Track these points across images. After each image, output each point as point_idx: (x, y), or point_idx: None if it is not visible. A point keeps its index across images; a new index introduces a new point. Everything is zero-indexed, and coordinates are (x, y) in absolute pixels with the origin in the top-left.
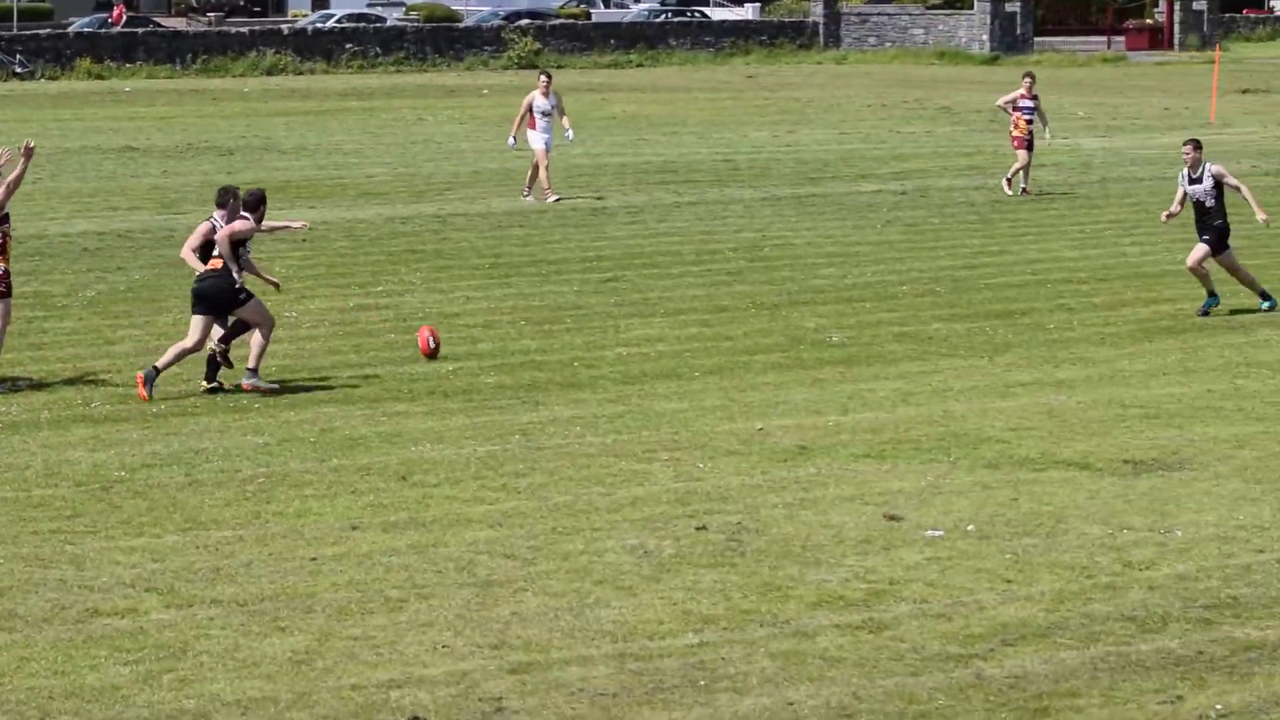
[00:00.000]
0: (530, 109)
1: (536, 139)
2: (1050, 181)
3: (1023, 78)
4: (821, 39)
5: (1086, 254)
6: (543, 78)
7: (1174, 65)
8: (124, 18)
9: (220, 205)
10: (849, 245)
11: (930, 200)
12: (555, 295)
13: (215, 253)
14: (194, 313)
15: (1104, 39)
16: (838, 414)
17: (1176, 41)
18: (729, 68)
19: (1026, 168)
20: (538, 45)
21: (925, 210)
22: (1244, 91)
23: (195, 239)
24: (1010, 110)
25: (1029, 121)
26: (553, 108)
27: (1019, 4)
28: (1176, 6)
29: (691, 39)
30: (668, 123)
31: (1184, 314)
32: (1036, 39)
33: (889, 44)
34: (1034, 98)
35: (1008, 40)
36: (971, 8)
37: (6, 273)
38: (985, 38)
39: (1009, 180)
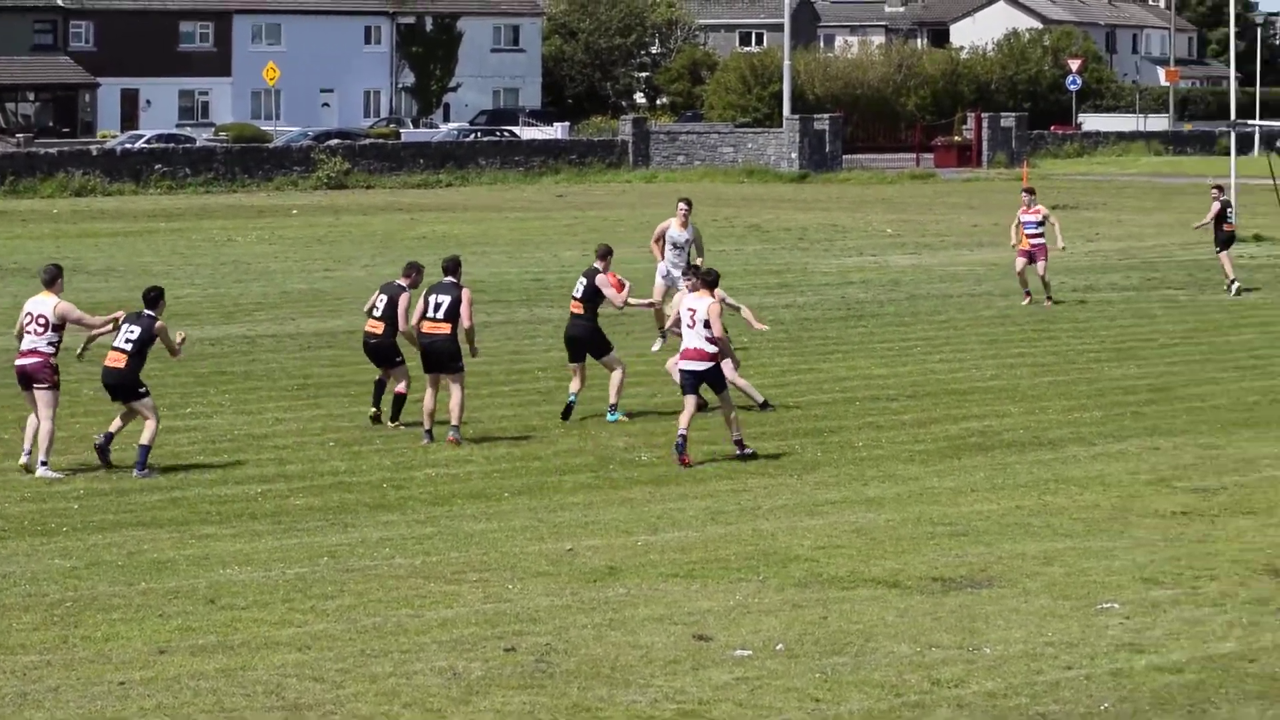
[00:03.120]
0: (662, 238)
1: (660, 271)
2: (860, 300)
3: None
4: (631, 157)
5: (895, 371)
6: (681, 205)
7: (982, 182)
8: None
9: None
10: (657, 364)
11: (738, 318)
12: (364, 416)
13: None
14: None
15: (913, 156)
16: (647, 533)
17: (985, 158)
18: (538, 186)
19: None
20: (347, 165)
21: (735, 328)
22: (1053, 207)
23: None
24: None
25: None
26: (688, 242)
27: (828, 122)
28: (985, 124)
29: (501, 158)
30: (477, 242)
31: (992, 431)
32: (846, 156)
33: (698, 162)
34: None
35: (816, 158)
36: (780, 125)
37: None
38: (794, 155)
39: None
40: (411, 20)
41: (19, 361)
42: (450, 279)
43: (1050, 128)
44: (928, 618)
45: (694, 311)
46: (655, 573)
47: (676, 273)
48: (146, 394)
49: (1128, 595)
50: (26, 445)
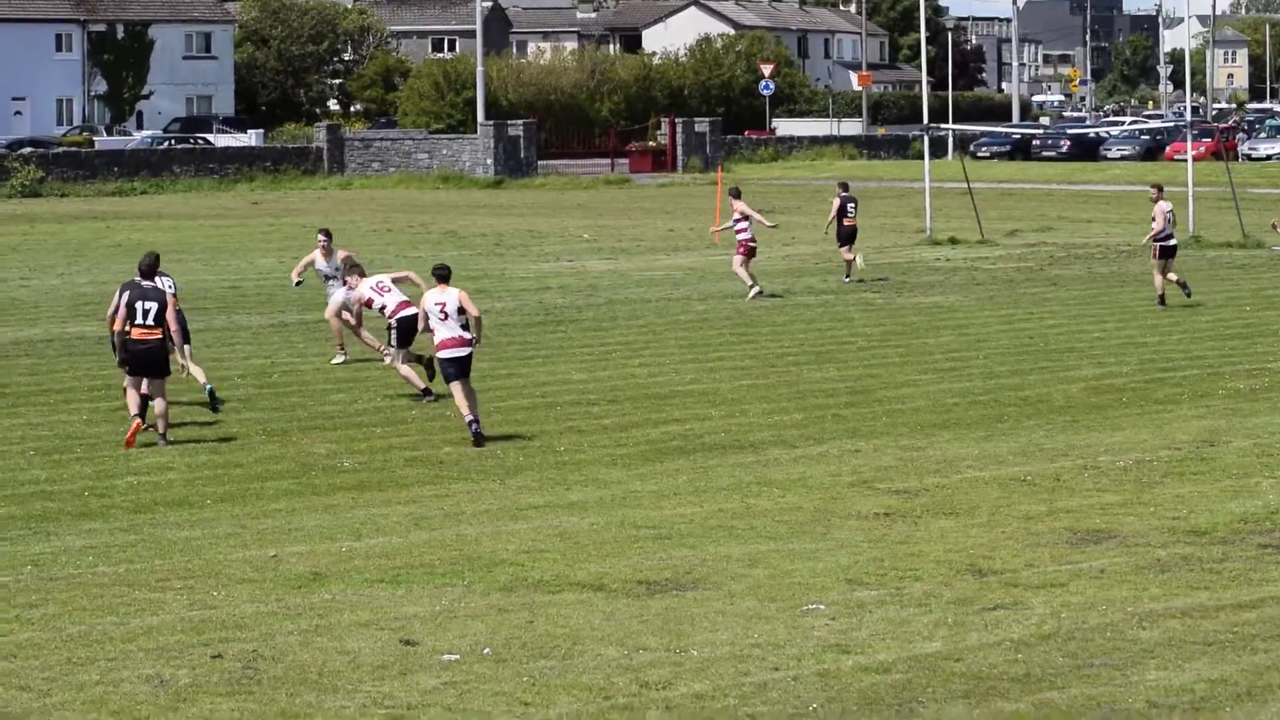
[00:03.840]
0: (306, 269)
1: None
2: (558, 305)
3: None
4: (326, 164)
5: (595, 376)
6: (321, 238)
7: (677, 187)
8: None
9: None
10: (357, 371)
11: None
12: (64, 425)
13: None
14: None
15: (608, 161)
16: (351, 539)
17: (680, 163)
18: (234, 194)
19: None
20: (41, 173)
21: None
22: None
23: None
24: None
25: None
26: (336, 269)
27: (522, 128)
28: (679, 129)
29: (196, 166)
30: (174, 249)
31: (694, 434)
32: (541, 162)
33: (393, 169)
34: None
35: (512, 164)
36: (475, 132)
37: None
38: (489, 161)
39: None
40: (102, 28)
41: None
42: (150, 282)
43: (744, 133)
44: (634, 620)
45: (443, 304)
46: (360, 578)
47: (337, 291)
48: None
49: (833, 596)
50: None
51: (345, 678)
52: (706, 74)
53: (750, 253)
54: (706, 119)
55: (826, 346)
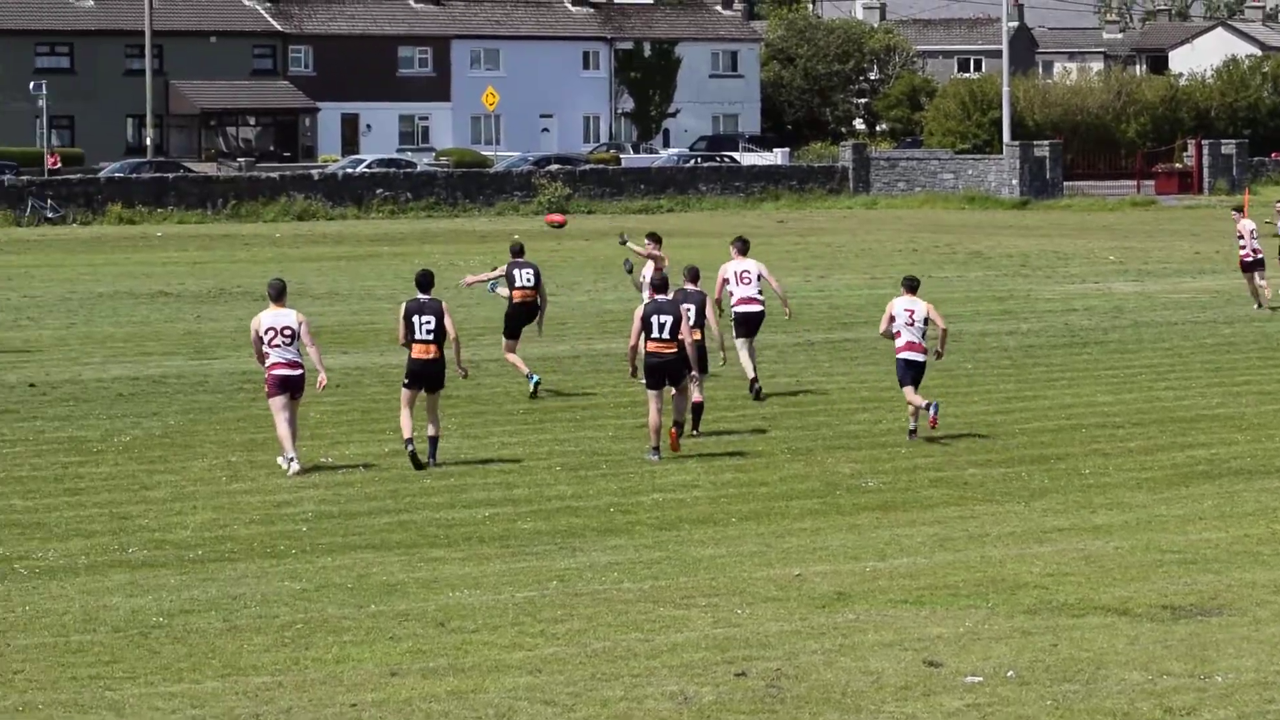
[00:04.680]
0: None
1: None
2: (1083, 327)
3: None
4: (851, 183)
5: (1121, 399)
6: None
7: (1203, 209)
8: (58, 164)
9: None
10: (882, 390)
11: (964, 345)
12: (591, 441)
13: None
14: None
15: (1133, 183)
16: (875, 559)
17: (1206, 185)
18: (759, 212)
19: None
20: (568, 190)
21: (959, 355)
22: (1275, 235)
23: None
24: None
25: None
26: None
27: (1048, 149)
28: (1205, 151)
29: (721, 184)
30: (701, 267)
31: (1219, 459)
32: (1066, 183)
33: (918, 188)
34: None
35: (1037, 185)
36: (1000, 153)
37: None
38: (1015, 182)
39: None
40: (630, 45)
41: (289, 372)
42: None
43: (1271, 155)
44: (1158, 645)
45: (912, 311)
46: (884, 599)
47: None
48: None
49: None
50: (290, 449)
51: (869, 698)
52: (1233, 95)
53: (1248, 267)
54: (1233, 141)
55: None
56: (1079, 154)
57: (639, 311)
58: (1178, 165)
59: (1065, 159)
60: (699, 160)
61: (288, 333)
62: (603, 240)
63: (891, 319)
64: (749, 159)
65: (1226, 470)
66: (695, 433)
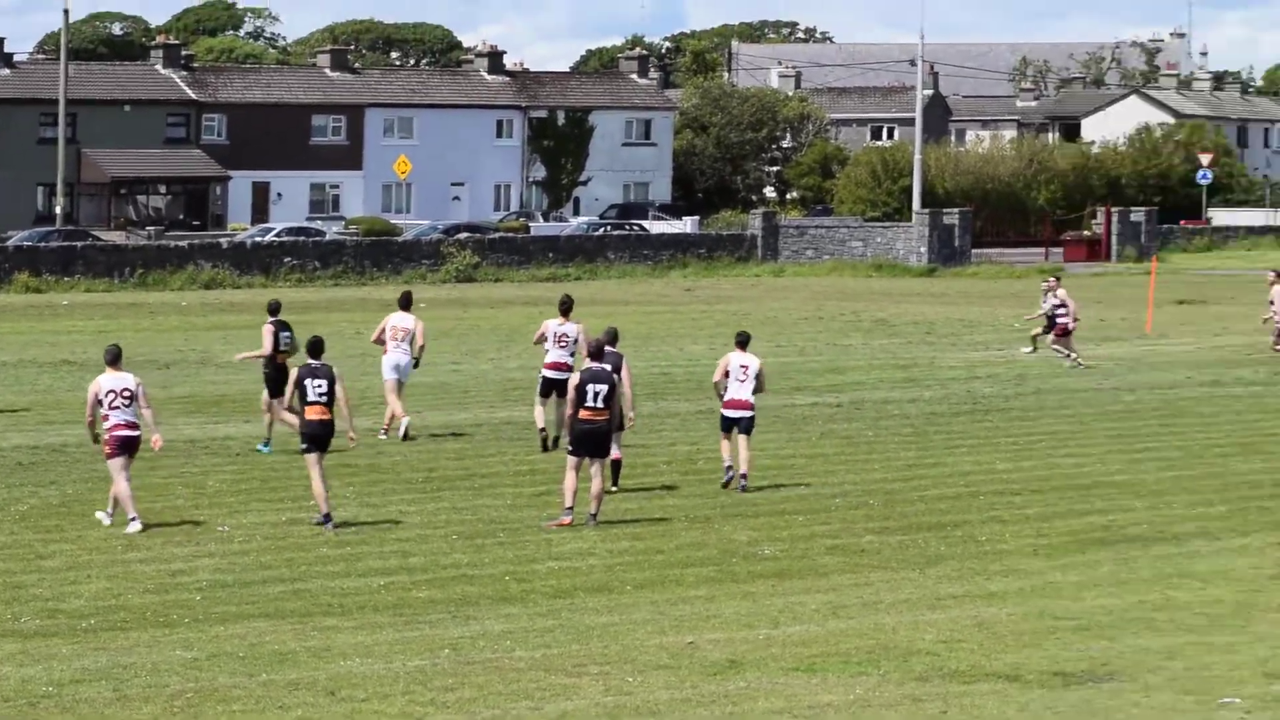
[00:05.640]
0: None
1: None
2: (986, 394)
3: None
4: (760, 251)
5: (1020, 466)
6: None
7: (1111, 276)
8: None
9: None
10: (784, 458)
11: (865, 413)
12: (489, 509)
13: None
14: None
15: (1042, 250)
16: (768, 627)
17: (1114, 253)
18: (666, 280)
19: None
20: (476, 259)
21: (860, 423)
22: (1180, 302)
23: None
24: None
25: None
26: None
27: (957, 216)
28: (1115, 218)
29: (630, 252)
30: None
31: (1116, 525)
32: (975, 250)
33: (827, 256)
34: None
35: (945, 252)
36: (909, 220)
37: None
38: (923, 249)
39: None
40: (544, 114)
41: (128, 433)
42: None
43: (1180, 222)
44: (1048, 712)
45: (746, 368)
46: (776, 666)
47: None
48: None
49: (1250, 690)
50: (131, 509)
51: None
52: (1144, 163)
53: (1066, 332)
54: (1143, 209)
55: (1254, 438)
56: (989, 221)
57: (573, 380)
58: (1086, 233)
59: (975, 226)
60: (608, 229)
61: (126, 394)
62: (507, 309)
63: (726, 374)
64: (658, 227)
65: (1123, 537)
66: (614, 488)
